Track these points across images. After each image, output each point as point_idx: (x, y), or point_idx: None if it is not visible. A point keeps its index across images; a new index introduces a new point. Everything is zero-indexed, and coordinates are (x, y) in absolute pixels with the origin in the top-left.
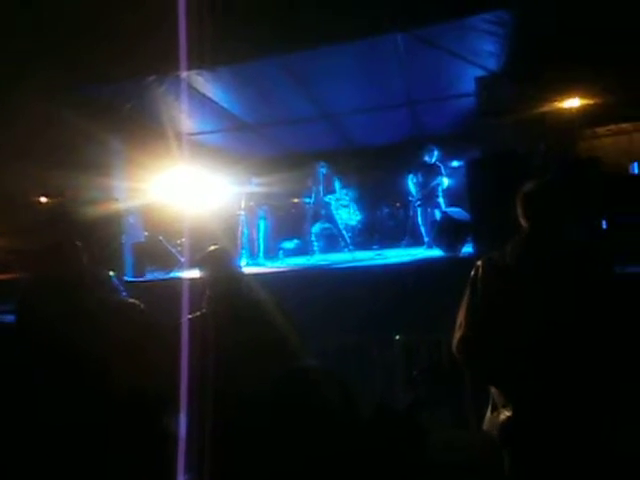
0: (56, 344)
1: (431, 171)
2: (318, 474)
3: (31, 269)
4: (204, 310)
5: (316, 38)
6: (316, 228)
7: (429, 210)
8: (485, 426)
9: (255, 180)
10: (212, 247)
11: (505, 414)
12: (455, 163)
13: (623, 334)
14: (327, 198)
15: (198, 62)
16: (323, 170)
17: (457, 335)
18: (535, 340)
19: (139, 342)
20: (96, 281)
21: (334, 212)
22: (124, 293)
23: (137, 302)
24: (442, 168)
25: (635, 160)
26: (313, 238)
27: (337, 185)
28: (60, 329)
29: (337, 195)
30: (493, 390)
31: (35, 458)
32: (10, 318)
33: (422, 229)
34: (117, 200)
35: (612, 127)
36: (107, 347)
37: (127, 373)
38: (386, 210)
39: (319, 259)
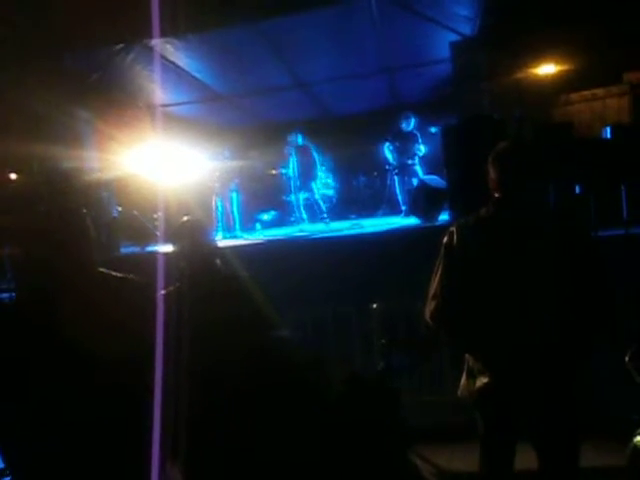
0: (56, 321)
1: (408, 139)
2: (291, 442)
3: (34, 241)
4: (178, 284)
5: (288, 4)
6: (301, 196)
7: (406, 178)
8: (460, 392)
9: (228, 152)
10: (185, 218)
11: (482, 380)
12: (433, 129)
13: (599, 295)
14: (314, 167)
15: (167, 30)
16: (299, 139)
17: (431, 305)
18: (511, 305)
19: (139, 319)
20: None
21: (311, 182)
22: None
23: (137, 277)
24: (419, 136)
25: (608, 125)
26: (301, 205)
27: (315, 154)
28: (61, 306)
29: (318, 164)
30: (468, 357)
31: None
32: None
33: (399, 198)
34: (88, 174)
35: (586, 93)
36: (108, 325)
37: (126, 350)
38: (363, 179)
39: (303, 228)
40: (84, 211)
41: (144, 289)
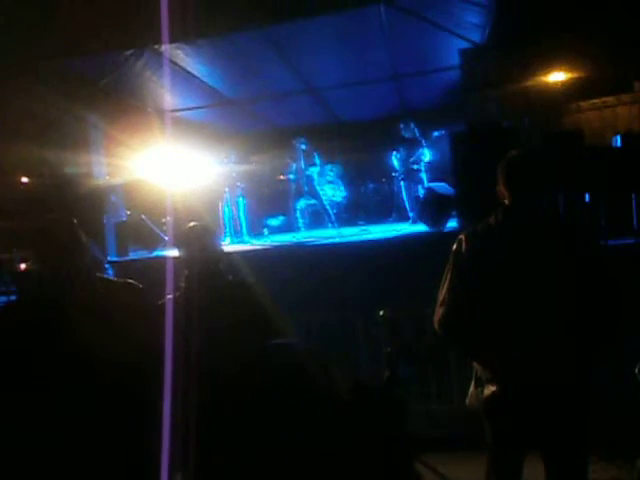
0: (58, 326)
1: (412, 145)
2: (296, 450)
3: (29, 250)
4: (183, 290)
5: (298, 10)
6: (301, 204)
7: (413, 185)
8: (469, 401)
9: (235, 157)
10: (192, 224)
11: (490, 389)
12: (436, 133)
13: (608, 305)
14: (309, 172)
15: (177, 35)
16: (302, 145)
17: (440, 312)
18: (520, 313)
19: (141, 323)
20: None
21: (317, 187)
22: (110, 272)
23: (136, 282)
24: (423, 142)
25: (619, 133)
26: (298, 214)
27: (317, 160)
28: (63, 311)
29: (318, 169)
30: (477, 366)
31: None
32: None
33: (407, 204)
34: (97, 178)
35: (596, 101)
36: (111, 329)
37: (128, 354)
38: (371, 186)
39: (304, 236)
40: (74, 222)
41: (144, 294)
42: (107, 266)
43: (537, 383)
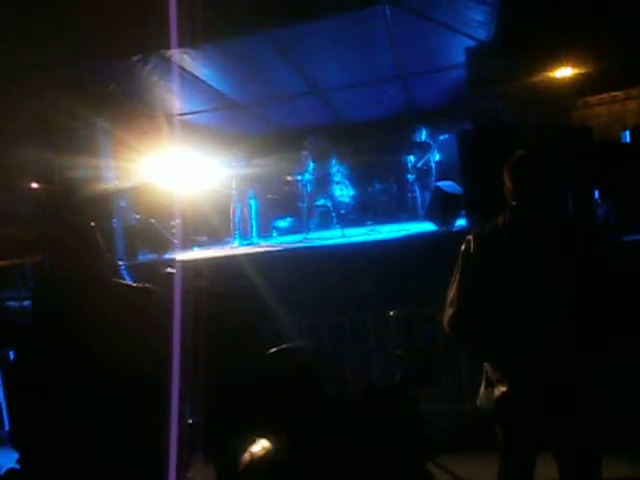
0: (68, 331)
1: (423, 148)
2: (306, 453)
3: (47, 254)
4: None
5: (303, 12)
6: (319, 202)
7: (424, 185)
8: (479, 402)
9: (244, 159)
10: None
11: (500, 389)
12: (441, 137)
13: (619, 304)
14: (324, 171)
15: (183, 40)
16: (317, 144)
17: (449, 312)
18: (529, 313)
19: (153, 329)
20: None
21: (334, 186)
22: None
23: (155, 288)
24: (432, 144)
25: (628, 128)
26: (313, 215)
27: (333, 157)
28: (73, 316)
29: (334, 168)
30: (487, 366)
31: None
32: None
33: (417, 203)
34: (106, 182)
35: (604, 96)
36: (121, 335)
37: (138, 360)
38: (379, 186)
39: (314, 236)
40: (92, 225)
41: (161, 299)
42: (123, 268)
43: (547, 383)
